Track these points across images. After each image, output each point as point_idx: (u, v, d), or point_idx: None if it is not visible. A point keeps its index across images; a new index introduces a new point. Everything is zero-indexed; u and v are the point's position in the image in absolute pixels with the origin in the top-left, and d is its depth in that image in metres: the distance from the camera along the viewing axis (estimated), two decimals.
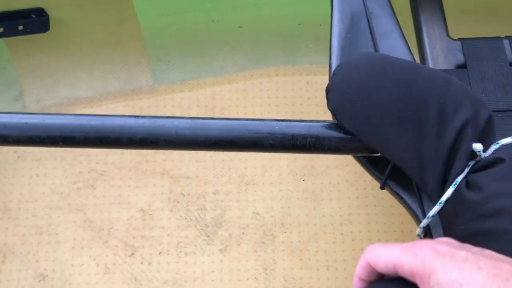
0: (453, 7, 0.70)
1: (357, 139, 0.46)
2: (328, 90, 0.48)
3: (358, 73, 0.46)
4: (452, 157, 0.42)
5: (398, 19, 0.59)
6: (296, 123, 0.47)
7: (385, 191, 0.81)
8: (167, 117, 0.47)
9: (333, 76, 0.48)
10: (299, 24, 0.83)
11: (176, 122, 0.47)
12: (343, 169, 0.84)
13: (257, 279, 0.78)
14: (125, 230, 0.81)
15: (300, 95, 0.88)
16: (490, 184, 0.41)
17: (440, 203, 0.42)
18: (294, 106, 0.87)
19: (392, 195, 0.50)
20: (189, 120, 0.47)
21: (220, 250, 0.80)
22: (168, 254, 0.80)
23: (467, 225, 0.41)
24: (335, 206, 0.82)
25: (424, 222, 0.46)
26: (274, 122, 0.47)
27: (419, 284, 0.33)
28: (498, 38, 0.66)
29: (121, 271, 0.79)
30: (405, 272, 0.34)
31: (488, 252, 0.33)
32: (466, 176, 0.42)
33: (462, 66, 0.64)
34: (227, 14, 0.81)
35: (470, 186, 0.41)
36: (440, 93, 0.44)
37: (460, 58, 0.65)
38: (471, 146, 0.42)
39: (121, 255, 0.80)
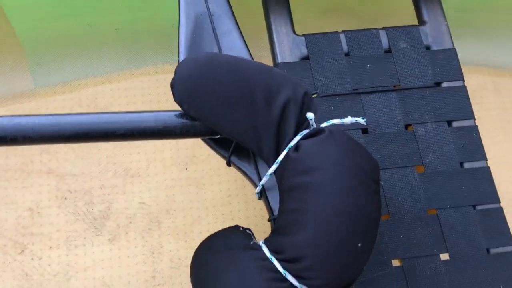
0: (301, 7, 0.79)
1: (199, 124, 0.54)
2: (172, 85, 0.55)
3: (196, 68, 0.53)
4: (282, 127, 0.52)
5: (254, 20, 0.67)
6: (145, 113, 0.54)
7: None
8: (25, 116, 0.52)
9: (176, 73, 0.55)
10: (173, 25, 0.89)
11: (32, 119, 0.52)
12: None
13: (145, 263, 0.84)
14: (13, 229, 0.84)
15: None
16: (310, 147, 0.50)
17: (277, 163, 0.51)
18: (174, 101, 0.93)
19: (237, 170, 0.58)
20: (45, 117, 0.52)
21: (109, 240, 0.85)
22: (58, 248, 0.83)
23: (290, 180, 0.50)
24: (216, 189, 0.90)
25: (263, 180, 0.54)
26: (125, 114, 0.53)
27: None
28: (336, 33, 0.76)
29: (12, 268, 0.82)
30: None
31: None
32: (297, 142, 0.51)
33: (306, 58, 0.74)
34: (102, 18, 0.86)
35: (297, 149, 0.51)
36: (265, 79, 0.53)
37: (304, 51, 0.74)
38: (296, 118, 0.52)
39: (11, 253, 0.82)
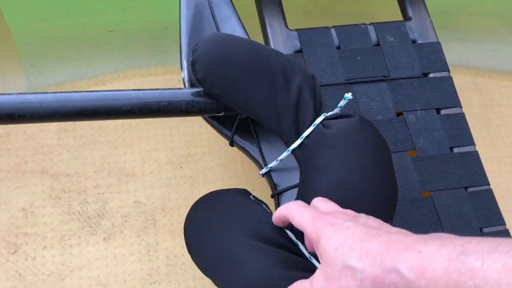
0: (293, 5, 0.82)
1: (203, 101, 0.55)
2: (194, 62, 0.55)
3: (218, 46, 0.54)
4: (301, 108, 0.53)
5: (249, 18, 0.70)
6: (151, 91, 0.55)
7: (254, 174, 0.92)
8: (33, 93, 0.53)
9: (197, 51, 0.55)
10: (166, 28, 0.91)
11: (41, 96, 0.52)
12: (216, 155, 0.93)
13: (141, 261, 0.83)
14: (6, 229, 0.82)
15: None
16: (344, 125, 0.52)
17: (302, 137, 0.52)
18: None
19: (239, 149, 0.60)
20: (53, 94, 0.53)
21: (104, 238, 0.84)
22: (52, 248, 0.82)
23: (323, 156, 0.51)
24: (211, 188, 0.90)
25: (283, 155, 0.54)
26: (131, 91, 0.54)
27: (314, 246, 0.43)
28: (326, 28, 0.79)
29: (5, 269, 0.80)
30: (307, 235, 0.44)
31: (372, 221, 0.43)
32: (322, 120, 0.52)
33: (299, 51, 0.77)
34: (96, 19, 0.87)
35: (326, 126, 0.52)
36: (281, 60, 0.55)
37: (297, 45, 0.77)
38: (312, 99, 0.53)
39: (3, 253, 0.81)
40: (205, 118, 0.59)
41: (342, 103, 0.56)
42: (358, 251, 0.40)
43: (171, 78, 0.97)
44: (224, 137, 0.60)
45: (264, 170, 0.56)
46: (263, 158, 0.58)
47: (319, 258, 0.42)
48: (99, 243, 0.84)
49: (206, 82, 0.54)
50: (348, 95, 0.55)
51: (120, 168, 0.89)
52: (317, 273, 0.42)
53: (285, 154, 0.54)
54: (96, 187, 0.87)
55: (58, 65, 0.89)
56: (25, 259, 0.81)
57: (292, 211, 0.46)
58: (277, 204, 0.56)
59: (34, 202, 0.85)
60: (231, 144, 0.59)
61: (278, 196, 0.56)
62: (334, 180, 0.50)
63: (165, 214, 0.87)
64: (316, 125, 0.52)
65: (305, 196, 0.51)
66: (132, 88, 0.55)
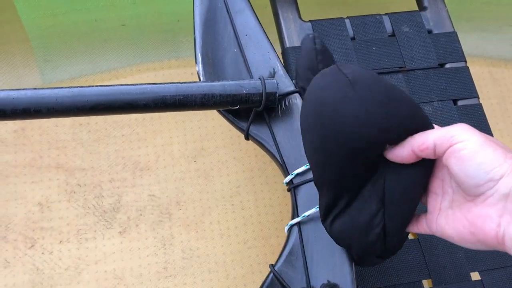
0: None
1: (219, 95, 0.55)
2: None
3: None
4: None
5: (261, 10, 0.69)
6: (166, 84, 0.55)
7: (268, 167, 0.91)
8: (48, 88, 0.53)
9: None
10: (178, 21, 0.91)
11: (56, 91, 0.52)
12: (230, 148, 0.93)
13: (156, 254, 0.84)
14: (23, 224, 0.83)
15: None
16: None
17: None
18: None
19: (254, 142, 0.59)
20: (68, 89, 0.53)
21: (120, 232, 0.85)
22: (68, 242, 0.83)
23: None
24: (224, 181, 0.90)
25: None
26: (146, 85, 0.54)
27: (444, 147, 0.41)
28: (341, 18, 0.79)
29: (22, 263, 0.81)
30: (437, 142, 0.42)
31: None
32: None
33: None
34: (109, 13, 0.87)
35: None
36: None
37: None
38: None
39: (21, 248, 0.82)
40: (219, 112, 0.59)
41: None
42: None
43: (185, 72, 0.97)
44: (239, 130, 0.59)
45: (288, 178, 0.56)
46: (279, 151, 0.57)
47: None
48: (114, 237, 0.84)
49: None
50: None
51: (134, 162, 0.90)
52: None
53: None
54: (111, 181, 0.88)
55: (71, 60, 0.89)
56: (42, 253, 0.82)
57: (415, 138, 0.43)
58: (294, 199, 0.55)
59: (50, 197, 0.85)
60: (247, 138, 0.59)
61: (295, 189, 0.56)
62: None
63: (179, 208, 0.87)
64: None
65: None
66: (146, 82, 0.55)
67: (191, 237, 0.85)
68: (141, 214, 0.86)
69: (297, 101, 0.59)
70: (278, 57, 0.62)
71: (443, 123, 0.74)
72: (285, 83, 0.60)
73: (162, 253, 0.84)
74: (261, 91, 0.56)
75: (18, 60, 0.89)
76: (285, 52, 0.75)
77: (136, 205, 0.87)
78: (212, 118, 0.94)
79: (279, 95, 0.58)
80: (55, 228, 0.84)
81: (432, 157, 0.43)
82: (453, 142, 0.41)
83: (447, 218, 0.44)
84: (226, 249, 0.85)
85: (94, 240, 0.83)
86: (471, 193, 0.41)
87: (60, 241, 0.83)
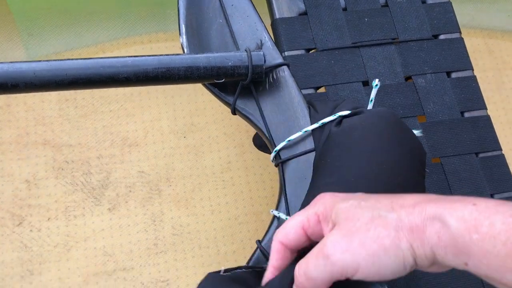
0: None
1: (203, 67, 0.53)
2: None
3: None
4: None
5: None
6: (148, 57, 0.53)
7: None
8: (25, 62, 0.51)
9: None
10: None
11: (34, 64, 0.50)
12: (220, 124, 0.91)
13: (146, 231, 0.83)
14: (10, 201, 0.82)
15: None
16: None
17: (320, 123, 0.52)
18: None
19: (242, 117, 0.58)
20: (46, 62, 0.51)
21: (109, 209, 0.84)
22: (57, 219, 0.82)
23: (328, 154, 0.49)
24: (215, 157, 0.89)
25: (297, 135, 0.53)
26: (128, 58, 0.52)
27: (323, 224, 0.37)
28: None
29: (10, 240, 0.80)
30: (311, 224, 0.37)
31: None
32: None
33: (304, 13, 0.74)
34: None
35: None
36: None
37: (301, 7, 0.74)
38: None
39: (8, 225, 0.81)
40: (205, 85, 0.57)
41: (372, 94, 0.54)
42: (389, 204, 0.34)
43: (173, 45, 0.94)
44: (225, 105, 0.58)
45: (273, 155, 0.55)
46: (266, 125, 0.56)
47: (328, 229, 0.36)
48: (103, 214, 0.83)
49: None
50: (376, 82, 0.53)
51: (123, 138, 0.88)
52: (331, 235, 0.34)
53: (298, 134, 0.53)
54: (99, 158, 0.86)
55: (55, 34, 0.87)
56: (30, 230, 0.81)
57: (279, 230, 0.39)
58: (282, 174, 0.54)
59: (37, 174, 0.84)
60: (233, 112, 0.57)
61: (282, 164, 0.55)
62: (335, 182, 0.47)
63: (169, 184, 0.86)
64: (337, 116, 0.51)
65: (309, 193, 0.49)
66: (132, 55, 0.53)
67: (181, 213, 0.84)
68: (130, 191, 0.85)
69: (285, 74, 0.57)
70: (266, 28, 0.60)
71: (436, 96, 0.72)
72: (273, 55, 0.58)
73: (152, 229, 0.83)
74: (247, 64, 0.54)
75: (1, 34, 0.87)
76: (275, 24, 0.73)
77: (125, 182, 0.85)
78: (202, 94, 0.92)
79: (266, 68, 0.56)
80: (43, 205, 0.82)
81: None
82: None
83: None
84: (217, 225, 0.84)
85: (83, 217, 0.83)
86: None
87: (48, 219, 0.82)
